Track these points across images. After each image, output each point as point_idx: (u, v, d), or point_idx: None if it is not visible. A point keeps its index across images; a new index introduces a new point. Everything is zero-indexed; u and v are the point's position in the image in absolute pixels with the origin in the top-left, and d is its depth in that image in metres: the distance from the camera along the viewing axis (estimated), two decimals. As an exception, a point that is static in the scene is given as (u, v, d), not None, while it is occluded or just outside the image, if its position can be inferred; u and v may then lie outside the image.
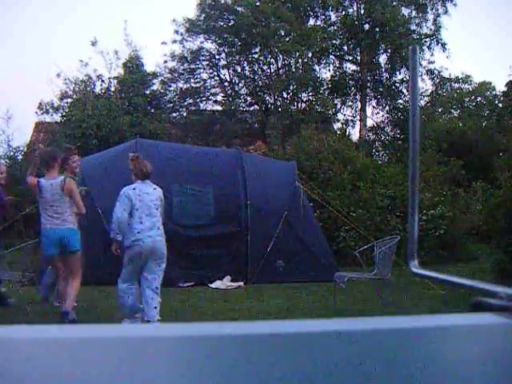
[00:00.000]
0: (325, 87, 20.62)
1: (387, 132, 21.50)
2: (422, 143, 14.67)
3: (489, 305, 0.63)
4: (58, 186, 5.31)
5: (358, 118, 20.80)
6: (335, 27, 20.64)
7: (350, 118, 21.14)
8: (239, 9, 19.42)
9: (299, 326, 0.57)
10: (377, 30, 19.89)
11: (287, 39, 18.93)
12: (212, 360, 0.51)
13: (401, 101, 20.71)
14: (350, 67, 21.11)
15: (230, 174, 8.82)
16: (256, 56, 20.40)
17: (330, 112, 20.60)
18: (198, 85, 20.67)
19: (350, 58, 20.99)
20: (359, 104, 20.90)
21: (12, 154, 15.56)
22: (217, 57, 20.63)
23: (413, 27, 20.45)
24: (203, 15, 19.64)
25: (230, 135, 19.74)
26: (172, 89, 20.25)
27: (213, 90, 21.08)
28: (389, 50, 20.40)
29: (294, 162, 9.75)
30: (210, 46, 20.32)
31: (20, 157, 15.60)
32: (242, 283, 8.07)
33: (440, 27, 20.33)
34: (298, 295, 7.29)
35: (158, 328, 0.56)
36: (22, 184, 9.27)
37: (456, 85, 26.26)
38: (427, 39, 20.39)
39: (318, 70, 20.56)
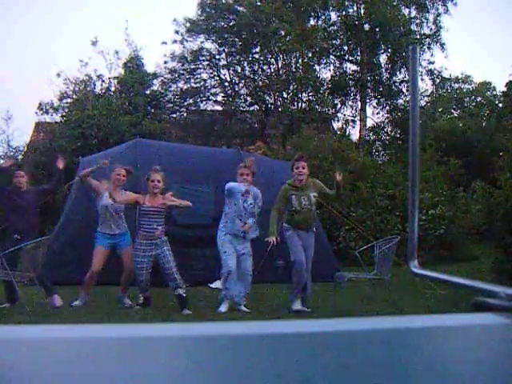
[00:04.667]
0: (325, 87, 20.61)
1: (387, 132, 21.50)
2: (422, 143, 14.66)
3: (489, 305, 0.63)
4: None
5: (358, 117, 20.79)
6: (335, 27, 20.64)
7: (350, 118, 21.15)
8: (240, 9, 19.42)
9: (299, 326, 0.57)
10: (377, 30, 19.89)
11: (287, 39, 18.92)
12: (212, 360, 0.51)
13: (401, 101, 20.71)
14: (350, 67, 21.13)
15: (230, 174, 8.80)
16: (256, 56, 20.40)
17: (330, 112, 20.60)
18: (198, 85, 20.67)
19: (351, 58, 20.98)
20: (359, 104, 20.89)
21: (12, 154, 15.57)
22: (217, 57, 20.63)
23: (413, 27, 20.45)
24: (204, 15, 19.65)
25: (229, 135, 19.75)
26: (172, 89, 20.26)
27: (213, 90, 21.09)
28: (389, 50, 20.39)
29: (294, 162, 9.72)
30: (210, 46, 20.35)
31: (20, 157, 15.60)
32: (242, 283, 8.05)
33: (440, 27, 20.35)
34: (298, 295, 7.27)
35: (158, 328, 0.56)
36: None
37: (456, 85, 26.26)
38: (427, 39, 20.39)
39: (318, 69, 20.57)
